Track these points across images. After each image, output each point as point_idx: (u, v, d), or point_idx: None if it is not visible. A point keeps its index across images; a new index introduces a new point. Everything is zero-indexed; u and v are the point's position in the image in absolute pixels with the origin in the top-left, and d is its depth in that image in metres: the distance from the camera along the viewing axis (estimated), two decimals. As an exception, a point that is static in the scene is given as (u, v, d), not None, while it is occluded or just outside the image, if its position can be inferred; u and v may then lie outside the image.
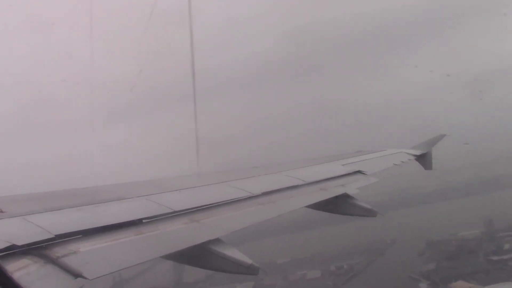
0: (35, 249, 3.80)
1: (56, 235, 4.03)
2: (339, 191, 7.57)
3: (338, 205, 7.45)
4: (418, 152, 13.00)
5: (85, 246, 4.03)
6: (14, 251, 3.68)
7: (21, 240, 3.79)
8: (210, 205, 5.68)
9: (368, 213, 7.50)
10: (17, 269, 3.48)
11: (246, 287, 78.05)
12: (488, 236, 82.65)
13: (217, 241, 4.79)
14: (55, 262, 3.67)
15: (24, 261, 3.63)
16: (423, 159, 13.23)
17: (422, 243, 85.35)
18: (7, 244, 3.66)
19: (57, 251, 3.83)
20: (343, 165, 9.49)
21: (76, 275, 3.53)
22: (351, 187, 7.96)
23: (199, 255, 4.70)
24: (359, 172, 9.13)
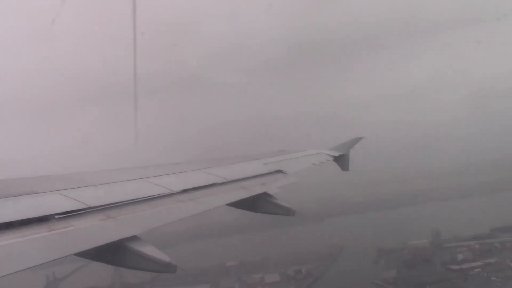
0: None
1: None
2: (259, 189, 7.64)
3: (258, 203, 7.52)
4: (336, 153, 13.44)
5: (-9, 243, 3.79)
6: None
7: None
8: (128, 202, 5.52)
9: (287, 212, 7.61)
10: None
11: None
12: (438, 246, 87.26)
13: (134, 238, 4.67)
14: None
15: None
16: (341, 160, 13.69)
17: (371, 251, 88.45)
18: None
19: None
20: (264, 164, 9.60)
21: None
22: (271, 186, 8.07)
23: (115, 253, 4.56)
24: (279, 171, 9.27)
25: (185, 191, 6.47)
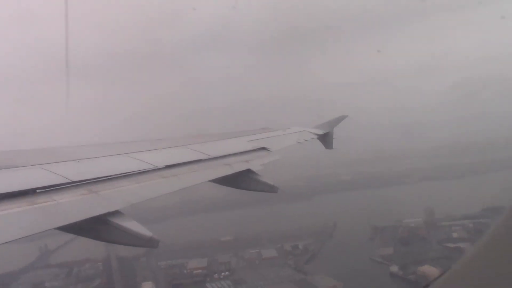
0: None
1: None
2: (243, 166, 7.66)
3: (241, 180, 7.54)
4: (320, 132, 13.49)
5: (-30, 216, 3.77)
6: None
7: None
8: (110, 177, 5.50)
9: (270, 189, 7.65)
10: None
11: (200, 262, 77.09)
12: (432, 224, 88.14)
13: (116, 213, 4.67)
14: None
15: None
16: (325, 138, 13.76)
17: (365, 228, 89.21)
18: None
19: None
20: (248, 141, 9.61)
21: None
22: (255, 163, 8.09)
23: (97, 227, 4.56)
24: (263, 148, 9.29)
25: (168, 167, 6.46)
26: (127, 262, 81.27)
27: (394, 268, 74.09)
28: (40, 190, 4.58)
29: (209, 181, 6.81)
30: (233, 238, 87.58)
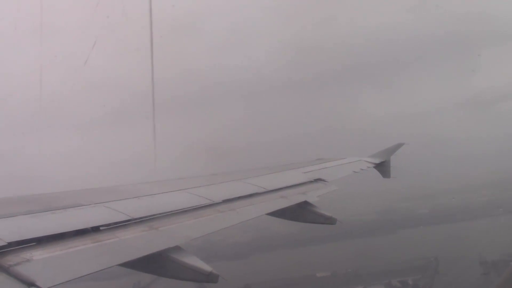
0: None
1: (8, 243, 3.91)
2: (299, 198, 7.62)
3: (299, 212, 7.49)
4: (377, 160, 13.24)
5: (39, 254, 3.92)
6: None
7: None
8: (169, 213, 5.62)
9: (328, 221, 7.55)
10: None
11: None
12: None
13: (176, 248, 4.74)
14: (7, 270, 3.55)
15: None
16: (382, 167, 13.48)
17: (470, 262, 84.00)
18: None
19: (10, 259, 3.71)
20: (303, 173, 9.57)
21: (29, 284, 3.42)
22: (312, 194, 8.03)
23: (158, 263, 4.64)
24: (319, 179, 9.23)
25: (225, 201, 6.52)
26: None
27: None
28: (103, 228, 4.75)
29: (266, 214, 6.81)
30: (330, 273, 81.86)
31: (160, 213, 5.50)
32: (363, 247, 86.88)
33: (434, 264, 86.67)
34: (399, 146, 14.58)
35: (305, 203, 7.58)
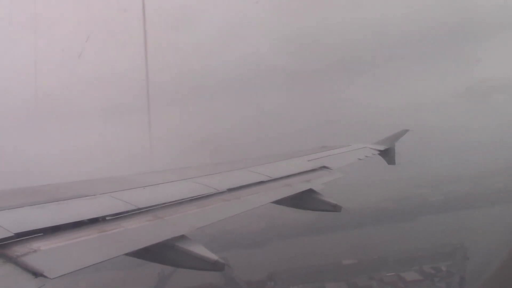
0: None
1: (15, 234, 3.95)
2: (304, 186, 7.62)
3: (304, 200, 7.50)
4: (381, 147, 13.21)
5: (46, 245, 3.96)
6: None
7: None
8: (175, 202, 5.64)
9: (333, 208, 7.55)
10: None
11: (340, 286, 71.97)
12: None
13: (182, 237, 4.77)
14: (14, 261, 3.59)
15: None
16: (387, 154, 13.45)
17: (498, 249, 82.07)
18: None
19: (17, 250, 3.75)
20: (308, 160, 9.57)
21: (37, 274, 3.46)
22: (316, 182, 8.03)
23: (164, 252, 4.66)
24: (324, 167, 9.22)
25: (230, 190, 6.54)
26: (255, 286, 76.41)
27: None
28: (109, 218, 4.78)
29: (271, 202, 6.82)
30: (357, 261, 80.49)
31: (165, 203, 5.52)
32: (384, 235, 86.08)
33: (461, 251, 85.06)
34: (403, 132, 14.54)
35: (310, 190, 7.58)
